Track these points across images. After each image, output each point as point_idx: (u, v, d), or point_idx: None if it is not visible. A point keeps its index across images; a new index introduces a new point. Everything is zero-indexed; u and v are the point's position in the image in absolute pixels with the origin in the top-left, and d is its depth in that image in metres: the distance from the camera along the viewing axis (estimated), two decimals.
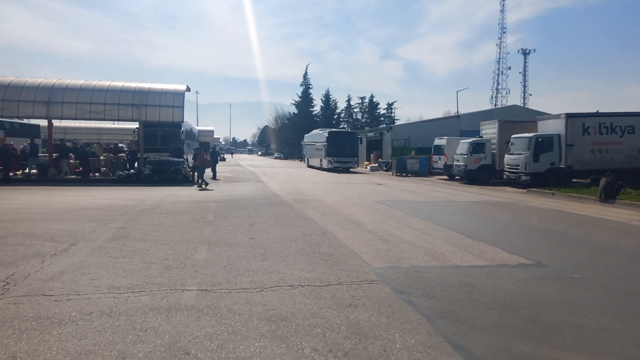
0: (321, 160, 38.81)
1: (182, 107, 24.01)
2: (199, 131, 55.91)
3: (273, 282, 5.68)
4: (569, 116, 21.32)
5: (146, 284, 5.53)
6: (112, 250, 7.28)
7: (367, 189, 20.41)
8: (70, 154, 24.67)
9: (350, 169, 37.59)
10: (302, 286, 5.55)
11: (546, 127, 22.46)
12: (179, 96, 24.21)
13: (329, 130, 41.36)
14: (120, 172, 22.89)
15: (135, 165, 24.46)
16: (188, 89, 25.62)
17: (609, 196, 15.74)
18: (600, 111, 23.47)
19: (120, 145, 34.90)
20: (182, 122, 26.23)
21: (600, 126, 21.33)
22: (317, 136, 42.67)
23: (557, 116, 22.31)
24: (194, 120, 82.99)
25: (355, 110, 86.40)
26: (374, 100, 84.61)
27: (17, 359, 3.52)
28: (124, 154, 26.83)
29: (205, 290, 5.33)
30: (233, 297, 5.09)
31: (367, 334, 4.15)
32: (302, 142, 56.17)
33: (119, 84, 24.40)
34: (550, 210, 13.79)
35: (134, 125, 30.75)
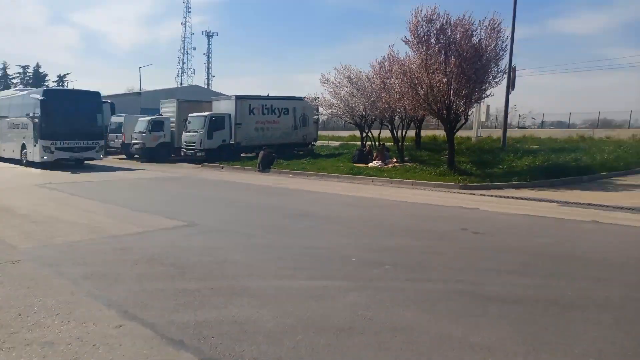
0: (24, 148, 20.46)
1: None
2: None
3: None
4: (238, 98, 24.14)
5: None
6: None
7: (27, 172, 17.96)
8: None
9: (92, 160, 21.02)
10: None
11: (220, 107, 24.72)
12: None
13: (43, 89, 21.31)
14: None
15: None
16: None
17: (265, 166, 19.08)
18: (270, 94, 27.47)
19: None
20: None
21: (263, 107, 24.99)
22: (15, 101, 22.35)
23: (229, 97, 24.98)
24: None
25: (14, 81, 72.12)
26: (41, 70, 72.90)
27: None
28: None
29: None
30: None
31: (2, 306, 4.11)
32: None
33: None
34: (217, 181, 15.67)
35: None
